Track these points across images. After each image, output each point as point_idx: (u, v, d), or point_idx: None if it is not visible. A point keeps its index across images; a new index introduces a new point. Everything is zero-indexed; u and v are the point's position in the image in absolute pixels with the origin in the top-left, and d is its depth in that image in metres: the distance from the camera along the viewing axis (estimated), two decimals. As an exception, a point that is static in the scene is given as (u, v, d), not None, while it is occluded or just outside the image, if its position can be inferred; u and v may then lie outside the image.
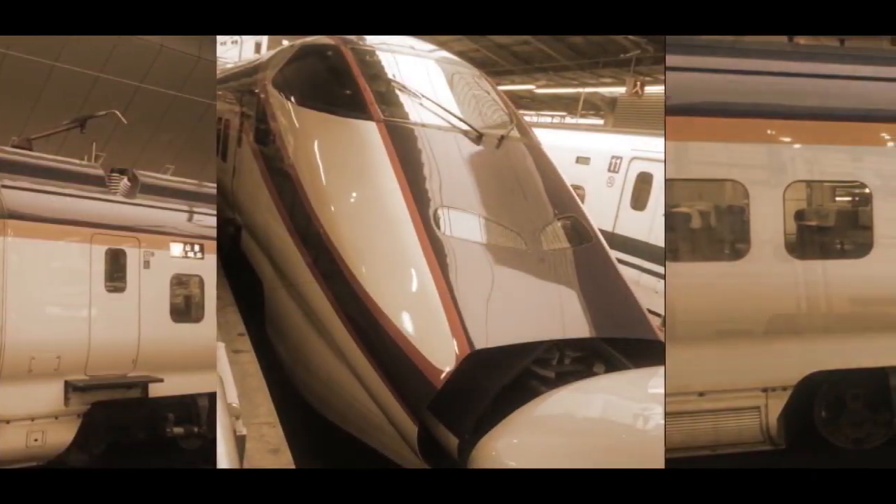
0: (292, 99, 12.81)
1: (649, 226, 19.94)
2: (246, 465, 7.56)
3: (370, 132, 11.14)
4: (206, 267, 12.79)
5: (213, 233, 13.07)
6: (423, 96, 12.03)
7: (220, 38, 29.91)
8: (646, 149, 21.41)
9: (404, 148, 10.98)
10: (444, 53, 15.29)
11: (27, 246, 10.53)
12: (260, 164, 13.61)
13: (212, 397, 11.73)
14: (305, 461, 9.25)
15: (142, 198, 12.36)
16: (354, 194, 10.81)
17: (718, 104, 9.91)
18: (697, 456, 9.58)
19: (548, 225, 10.81)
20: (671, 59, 9.47)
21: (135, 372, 11.65)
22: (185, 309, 12.56)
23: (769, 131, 10.10)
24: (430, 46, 15.10)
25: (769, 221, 9.97)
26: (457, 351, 8.51)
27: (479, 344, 8.59)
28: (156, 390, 11.80)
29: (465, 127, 11.77)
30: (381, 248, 9.93)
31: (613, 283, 10.71)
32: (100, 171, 12.25)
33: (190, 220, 13.03)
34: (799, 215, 10.32)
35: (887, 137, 10.51)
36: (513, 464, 7.45)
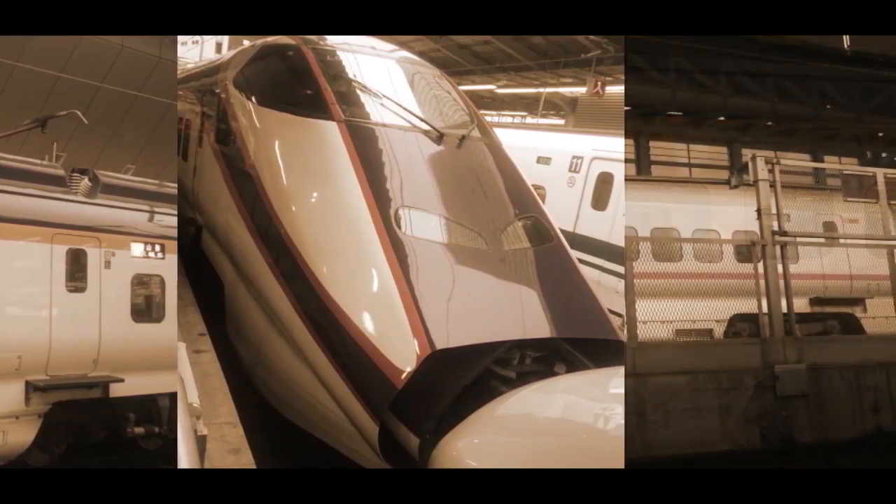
0: (253, 99, 12.77)
1: (610, 226, 19.98)
2: (206, 465, 7.53)
3: (331, 132, 11.11)
4: (167, 267, 12.76)
5: (174, 233, 13.03)
6: (384, 96, 12.00)
7: (180, 39, 29.80)
8: (606, 149, 21.45)
9: (365, 148, 10.96)
10: (405, 53, 15.29)
11: (-13, 245, 10.50)
12: (221, 164, 13.55)
13: (172, 397, 11.70)
14: (266, 461, 9.22)
15: (103, 198, 12.31)
16: (315, 194, 10.79)
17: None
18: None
19: (509, 225, 10.81)
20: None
21: (96, 372, 11.61)
22: (145, 309, 12.53)
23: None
24: (391, 46, 15.10)
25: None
26: (417, 351, 8.52)
27: (440, 344, 8.60)
28: (117, 390, 11.76)
29: (425, 127, 11.75)
30: (341, 248, 9.92)
31: (574, 284, 10.72)
32: (60, 171, 12.19)
33: (151, 220, 12.99)
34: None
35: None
36: (473, 463, 7.44)
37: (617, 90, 33.56)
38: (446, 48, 43.04)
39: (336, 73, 12.55)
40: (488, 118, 27.18)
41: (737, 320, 15.28)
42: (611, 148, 21.09)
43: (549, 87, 43.41)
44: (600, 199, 21.06)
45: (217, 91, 14.74)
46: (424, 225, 10.10)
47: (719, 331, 15.19)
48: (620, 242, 16.60)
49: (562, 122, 48.56)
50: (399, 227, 9.90)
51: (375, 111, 11.83)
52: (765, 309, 11.19)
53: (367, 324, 9.01)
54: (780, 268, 11.38)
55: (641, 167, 27.40)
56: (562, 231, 11.79)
